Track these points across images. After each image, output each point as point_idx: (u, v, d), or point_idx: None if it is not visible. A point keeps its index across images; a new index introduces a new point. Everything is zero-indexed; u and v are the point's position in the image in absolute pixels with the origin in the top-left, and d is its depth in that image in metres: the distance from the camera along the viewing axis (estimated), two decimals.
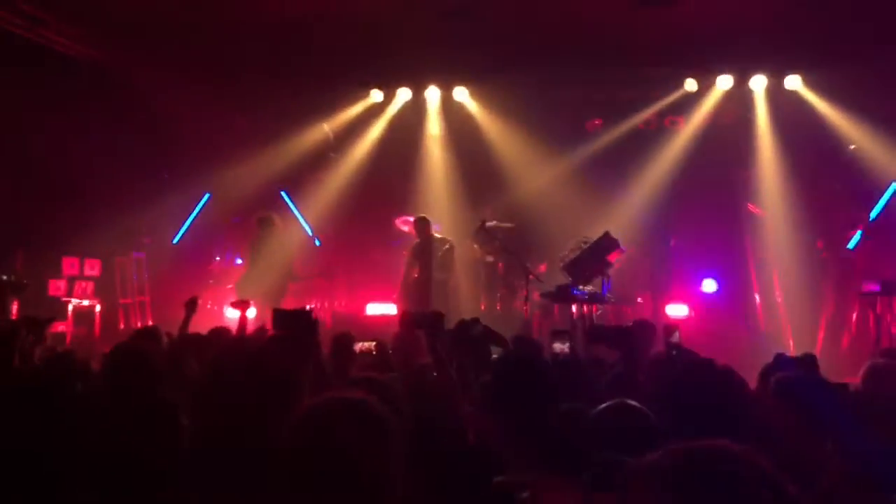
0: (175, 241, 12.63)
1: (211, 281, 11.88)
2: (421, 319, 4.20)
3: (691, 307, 10.83)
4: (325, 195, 12.37)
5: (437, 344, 3.98)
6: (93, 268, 11.42)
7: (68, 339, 10.51)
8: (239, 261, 11.97)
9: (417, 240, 10.78)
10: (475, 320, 4.66)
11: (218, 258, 12.16)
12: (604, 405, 2.95)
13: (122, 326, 11.40)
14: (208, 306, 10.92)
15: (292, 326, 3.95)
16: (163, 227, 12.43)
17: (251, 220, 11.15)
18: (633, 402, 2.93)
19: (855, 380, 7.61)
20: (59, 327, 10.60)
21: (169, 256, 12.28)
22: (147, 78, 10.74)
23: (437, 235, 10.76)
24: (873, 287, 8.30)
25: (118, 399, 3.56)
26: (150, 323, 11.70)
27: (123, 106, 10.83)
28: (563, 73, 11.36)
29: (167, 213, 12.28)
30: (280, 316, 4.11)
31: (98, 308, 11.26)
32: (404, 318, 4.21)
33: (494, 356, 4.54)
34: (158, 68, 10.76)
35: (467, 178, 11.93)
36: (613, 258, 9.13)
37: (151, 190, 11.64)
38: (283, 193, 12.61)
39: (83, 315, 11.05)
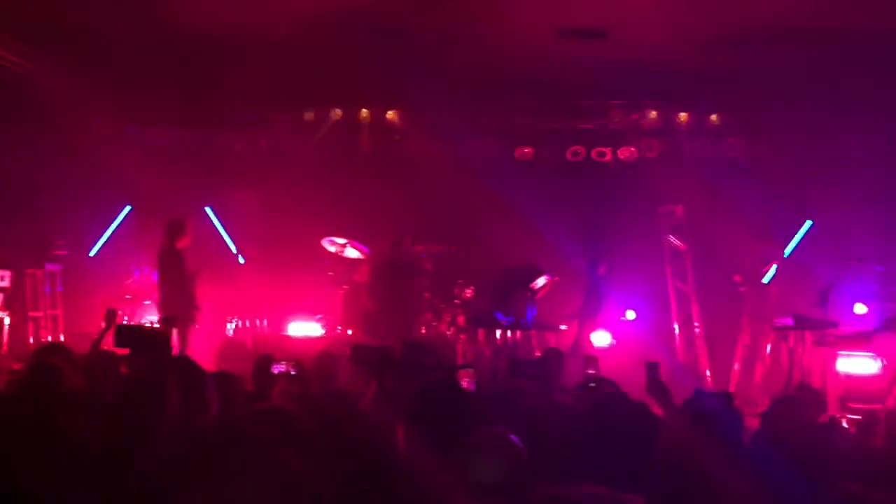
0: (92, 253, 12.24)
1: (128, 296, 11.51)
2: (372, 357, 4.00)
3: (615, 336, 10.98)
4: (252, 212, 12.17)
5: (384, 382, 3.85)
6: (2, 279, 10.95)
7: None
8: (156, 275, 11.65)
9: (388, 259, 10.33)
10: (416, 346, 4.64)
11: (137, 272, 11.81)
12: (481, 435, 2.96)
13: (31, 340, 10.95)
14: (125, 321, 10.58)
15: (141, 347, 3.33)
16: (80, 239, 12.04)
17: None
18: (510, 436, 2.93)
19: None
20: None
21: (85, 269, 11.88)
22: (63, 88, 10.39)
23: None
24: (787, 321, 8.54)
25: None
26: (61, 337, 11.30)
27: (42, 115, 10.47)
28: (493, 101, 11.49)
29: (85, 225, 11.90)
30: (125, 334, 3.35)
31: (7, 321, 10.79)
32: (356, 354, 3.98)
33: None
34: (74, 76, 10.42)
35: (396, 200, 11.90)
36: (538, 285, 9.23)
37: (69, 201, 11.27)
38: (207, 209, 12.36)
39: None
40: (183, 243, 9.09)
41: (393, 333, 9.05)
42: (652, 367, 4.23)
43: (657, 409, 4.16)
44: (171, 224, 9.17)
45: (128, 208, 12.27)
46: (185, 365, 3.38)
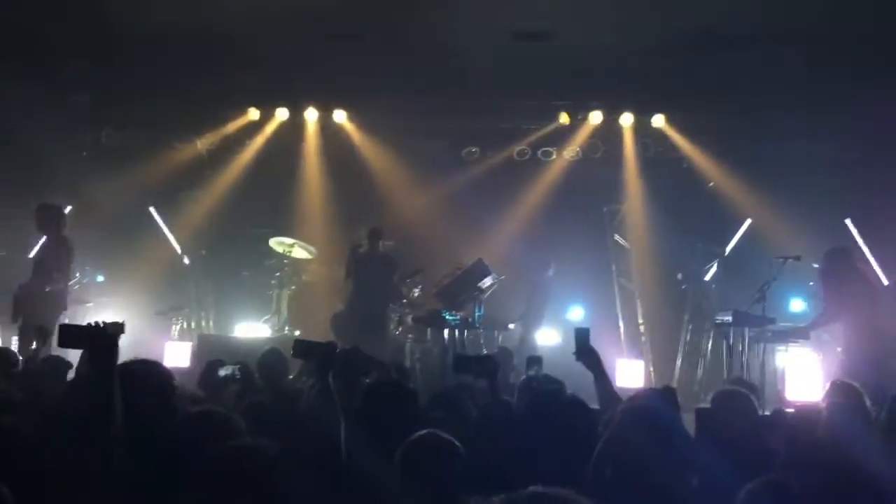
0: (31, 255, 11.94)
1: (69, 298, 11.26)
2: (313, 350, 3.96)
3: (561, 334, 11.10)
4: (197, 213, 12.02)
5: (328, 375, 3.83)
6: None
7: None
8: (100, 278, 11.44)
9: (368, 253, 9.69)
10: (355, 349, 4.65)
11: (77, 274, 11.57)
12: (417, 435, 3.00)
13: None
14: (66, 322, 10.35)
15: (84, 346, 3.24)
16: (18, 241, 11.74)
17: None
18: (444, 435, 2.98)
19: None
20: None
21: (23, 271, 11.58)
22: (8, 87, 10.17)
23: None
24: (726, 317, 8.74)
25: None
26: None
27: None
28: (441, 101, 11.54)
29: (25, 226, 11.61)
30: (66, 333, 3.18)
31: None
32: (297, 349, 3.92)
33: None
34: (15, 77, 10.19)
35: (343, 199, 11.87)
36: (486, 285, 9.29)
37: (9, 199, 10.99)
38: (151, 209, 12.16)
39: None
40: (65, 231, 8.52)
41: (363, 335, 8.43)
42: (581, 333, 4.24)
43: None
44: (50, 211, 8.53)
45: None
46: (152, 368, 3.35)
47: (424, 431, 3.01)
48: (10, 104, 10.12)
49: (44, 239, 8.59)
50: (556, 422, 3.17)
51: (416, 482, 2.79)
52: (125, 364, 3.19)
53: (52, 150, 11.05)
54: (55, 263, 8.29)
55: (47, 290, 8.13)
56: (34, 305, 8.02)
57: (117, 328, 5.01)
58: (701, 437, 4.05)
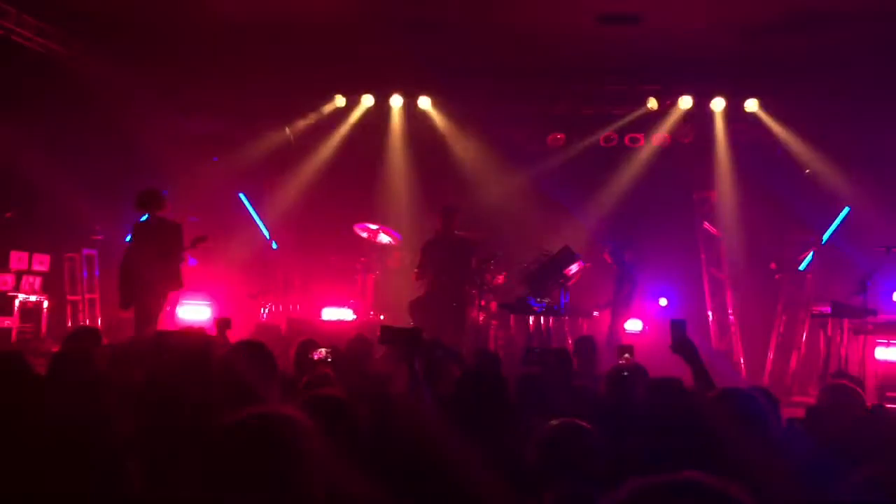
0: (128, 238, 12.37)
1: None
2: (400, 338, 3.98)
3: (646, 323, 10.91)
4: (285, 198, 12.25)
5: (414, 363, 3.84)
6: (41, 263, 11.15)
7: (14, 335, 10.25)
8: (193, 261, 11.76)
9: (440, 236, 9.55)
10: (436, 341, 4.64)
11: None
12: (553, 424, 2.93)
13: (69, 324, 11.13)
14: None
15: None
16: (116, 225, 12.17)
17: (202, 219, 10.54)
18: (581, 423, 2.91)
19: (803, 399, 7.74)
20: (5, 322, 10.37)
21: (121, 254, 12.01)
22: (104, 74, 10.54)
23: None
24: (824, 308, 8.44)
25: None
26: (99, 321, 11.48)
27: (80, 100, 10.60)
28: (526, 87, 11.43)
29: (122, 210, 12.02)
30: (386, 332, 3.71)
31: (46, 304, 10.99)
32: (385, 333, 3.95)
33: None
34: (116, 64, 10.56)
35: (428, 186, 11.91)
36: (571, 272, 9.18)
37: (106, 186, 11.40)
38: (241, 195, 12.45)
39: (30, 311, 10.79)
40: (164, 213, 8.73)
41: (444, 321, 8.81)
42: (677, 325, 4.10)
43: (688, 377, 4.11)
44: (148, 194, 8.74)
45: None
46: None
47: (562, 420, 2.94)
48: (107, 91, 10.48)
49: (147, 219, 8.72)
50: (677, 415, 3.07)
51: (557, 469, 2.72)
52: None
53: (146, 136, 11.43)
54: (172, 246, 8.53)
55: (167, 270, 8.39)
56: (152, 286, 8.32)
57: (225, 324, 5.23)
58: (807, 430, 3.89)
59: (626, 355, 5.77)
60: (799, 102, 11.01)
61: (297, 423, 2.10)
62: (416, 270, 9.72)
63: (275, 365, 3.71)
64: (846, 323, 8.33)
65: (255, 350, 3.80)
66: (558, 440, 2.81)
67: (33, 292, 10.88)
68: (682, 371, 4.43)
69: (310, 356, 5.21)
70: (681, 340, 4.05)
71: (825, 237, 10.83)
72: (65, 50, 10.61)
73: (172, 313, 10.30)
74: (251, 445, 2.03)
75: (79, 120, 10.74)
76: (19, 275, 10.77)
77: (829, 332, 8.42)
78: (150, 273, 8.30)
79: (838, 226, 10.87)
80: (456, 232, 9.66)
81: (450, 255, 9.43)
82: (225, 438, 2.07)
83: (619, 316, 10.29)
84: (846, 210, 10.86)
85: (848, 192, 10.80)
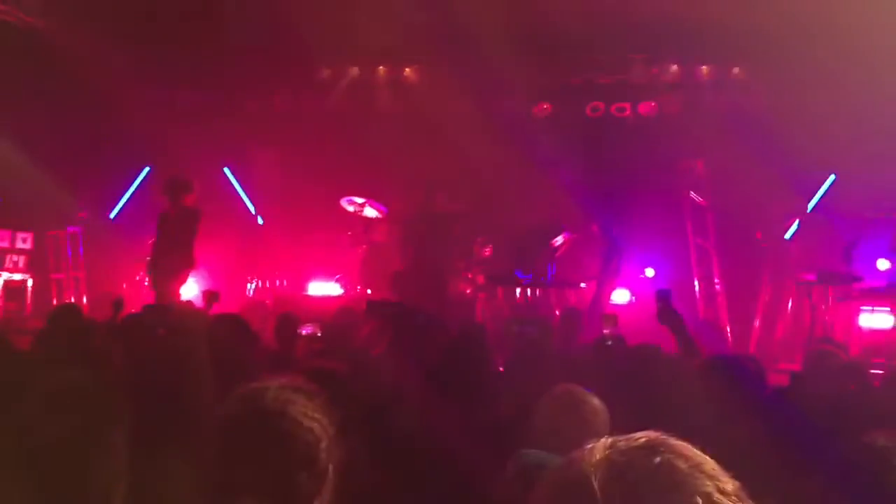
0: (112, 215, 12.30)
1: (148, 258, 11.59)
2: (387, 311, 3.98)
3: (633, 293, 10.95)
4: (270, 173, 12.17)
5: (403, 335, 3.84)
6: (25, 241, 11.06)
7: None
8: None
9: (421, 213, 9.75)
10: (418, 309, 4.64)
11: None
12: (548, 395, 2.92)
13: (54, 302, 11.07)
14: (145, 283, 10.66)
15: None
16: (100, 202, 12.09)
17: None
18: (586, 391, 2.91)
19: (789, 366, 7.79)
20: None
21: (106, 231, 11.95)
22: (85, 48, 10.37)
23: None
24: (809, 276, 8.48)
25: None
26: (84, 299, 11.42)
27: (61, 75, 10.46)
28: (511, 58, 11.34)
29: (106, 187, 11.94)
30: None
31: (30, 282, 10.92)
32: (371, 307, 3.95)
33: None
34: (97, 38, 10.40)
35: (413, 158, 11.83)
36: (558, 243, 9.19)
37: (89, 163, 11.29)
38: (225, 169, 12.36)
39: (14, 290, 10.71)
40: (190, 200, 8.68)
41: (426, 293, 8.90)
42: (662, 295, 4.13)
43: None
44: (175, 182, 8.68)
45: (146, 170, 12.29)
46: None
47: (563, 385, 2.94)
48: (88, 65, 10.34)
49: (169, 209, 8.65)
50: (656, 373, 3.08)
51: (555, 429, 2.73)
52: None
53: (129, 111, 11.30)
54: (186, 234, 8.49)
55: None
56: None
57: (213, 297, 5.21)
58: (792, 394, 3.92)
59: (609, 328, 5.79)
60: (784, 69, 10.97)
61: (301, 396, 2.06)
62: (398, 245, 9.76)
63: (255, 336, 3.70)
64: (831, 290, 8.38)
65: (233, 323, 3.78)
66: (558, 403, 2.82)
67: (17, 270, 10.80)
68: (666, 343, 4.45)
69: (297, 331, 5.19)
70: (666, 310, 4.06)
71: (810, 206, 10.85)
72: (44, 23, 10.44)
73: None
74: (259, 420, 1.99)
75: (60, 95, 10.61)
76: (3, 253, 10.68)
77: (815, 300, 8.47)
78: (165, 260, 8.40)
79: (824, 194, 10.89)
80: (438, 206, 9.66)
81: (431, 229, 9.39)
82: (232, 414, 2.03)
83: (605, 286, 10.31)
84: (832, 178, 10.88)
85: (833, 160, 10.81)
